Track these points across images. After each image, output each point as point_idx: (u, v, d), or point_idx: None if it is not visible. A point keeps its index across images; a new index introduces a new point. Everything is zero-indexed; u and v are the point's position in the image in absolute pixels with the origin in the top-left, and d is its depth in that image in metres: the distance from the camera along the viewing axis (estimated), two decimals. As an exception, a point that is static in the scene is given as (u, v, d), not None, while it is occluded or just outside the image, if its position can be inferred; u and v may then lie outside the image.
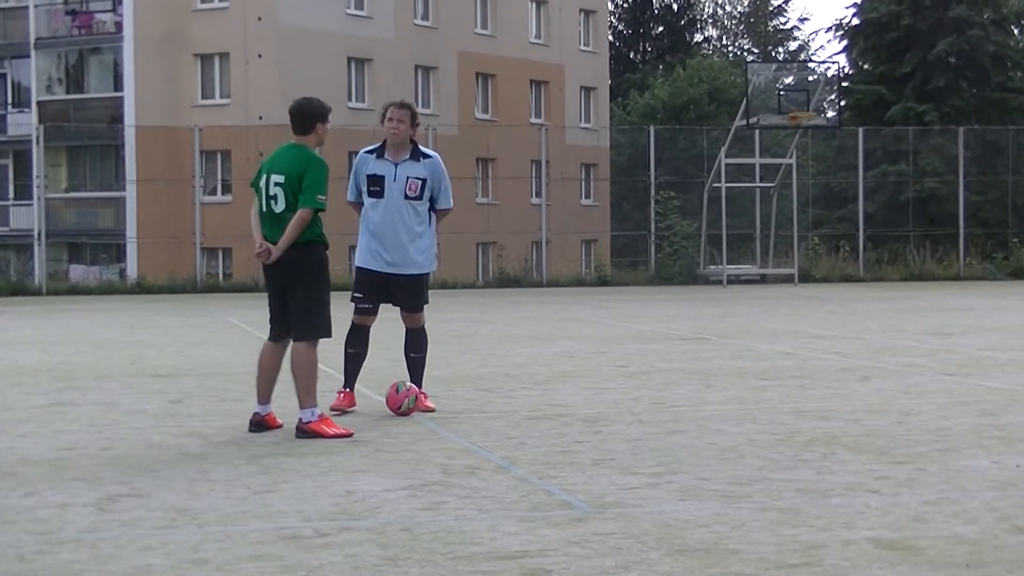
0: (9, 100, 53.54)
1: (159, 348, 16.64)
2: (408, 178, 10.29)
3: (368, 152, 10.41)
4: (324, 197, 9.29)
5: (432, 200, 10.42)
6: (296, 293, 9.26)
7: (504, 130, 50.52)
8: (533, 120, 55.46)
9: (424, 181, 10.33)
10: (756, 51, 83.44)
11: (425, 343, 10.67)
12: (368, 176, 10.33)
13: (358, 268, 10.42)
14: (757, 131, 36.13)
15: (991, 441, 8.82)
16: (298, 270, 9.22)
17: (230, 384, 12.35)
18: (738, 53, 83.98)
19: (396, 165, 10.30)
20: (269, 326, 9.53)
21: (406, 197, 10.27)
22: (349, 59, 50.36)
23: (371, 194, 10.34)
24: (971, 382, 12.18)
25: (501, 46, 56.44)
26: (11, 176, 52.76)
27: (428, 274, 10.60)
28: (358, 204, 10.50)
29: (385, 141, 10.38)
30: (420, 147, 10.45)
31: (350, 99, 50.20)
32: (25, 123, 50.12)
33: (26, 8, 51.17)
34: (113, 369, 13.99)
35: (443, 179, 10.44)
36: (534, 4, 58.85)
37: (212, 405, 10.98)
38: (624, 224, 49.14)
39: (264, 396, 9.44)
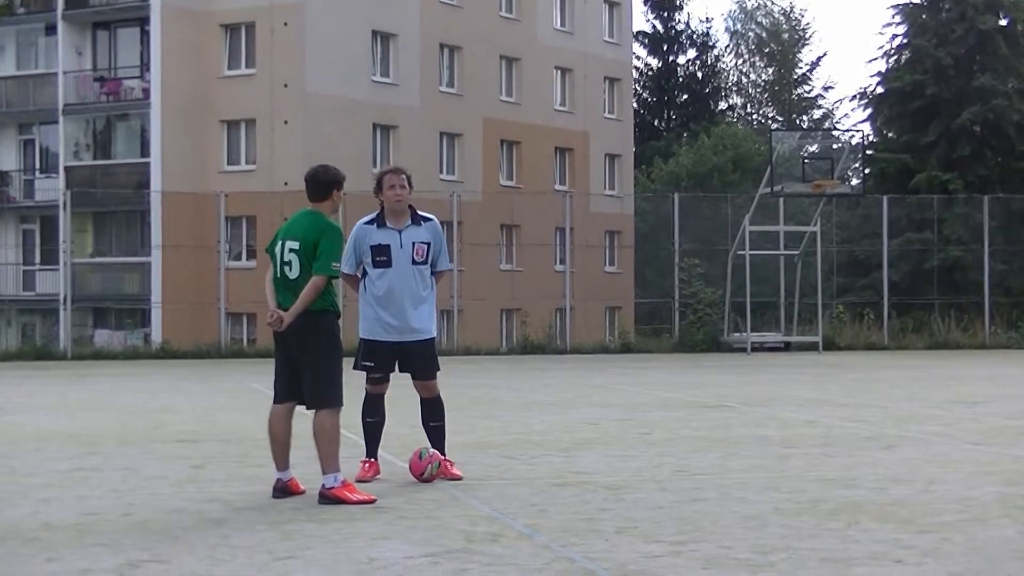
0: (37, 166, 53.86)
1: (182, 413, 16.65)
2: (414, 243, 10.21)
3: (367, 223, 10.26)
4: (339, 264, 9.34)
5: (432, 264, 10.42)
6: (308, 362, 9.29)
7: (528, 197, 50.66)
8: (557, 187, 55.61)
9: (429, 244, 10.29)
10: (780, 119, 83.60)
11: (443, 410, 10.56)
12: (372, 247, 10.18)
13: (365, 340, 10.31)
14: (781, 199, 36.15)
15: (1017, 511, 8.75)
16: (309, 337, 9.27)
17: (252, 450, 12.33)
18: (762, 121, 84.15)
19: (400, 232, 10.19)
20: (274, 391, 9.53)
21: (414, 263, 10.21)
22: (374, 126, 50.62)
23: (377, 264, 10.19)
24: (996, 451, 12.10)
25: (526, 113, 56.67)
26: (38, 241, 52.99)
27: (435, 339, 10.56)
28: (354, 276, 10.41)
29: (382, 210, 10.26)
30: (417, 211, 10.40)
31: (375, 165, 50.27)
32: (52, 188, 50.39)
33: (55, 74, 51.57)
34: (136, 434, 14.00)
35: (443, 241, 10.44)
36: (559, 72, 59.13)
37: (234, 471, 10.97)
38: (648, 291, 49.12)
39: (282, 463, 9.44)
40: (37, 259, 52.77)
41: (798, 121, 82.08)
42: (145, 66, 50.61)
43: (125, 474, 10.79)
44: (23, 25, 53.13)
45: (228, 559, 7.26)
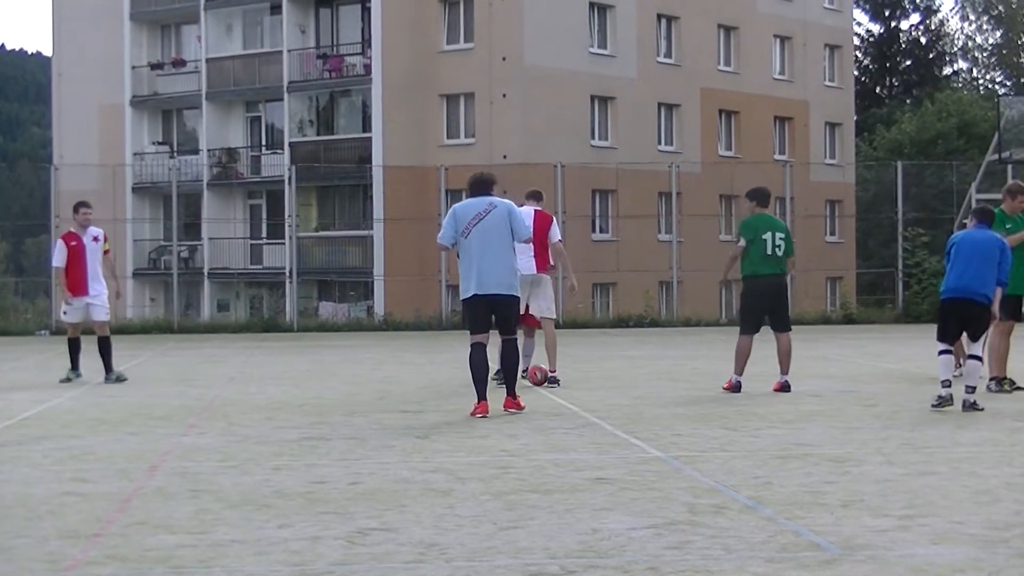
0: (263, 142, 55.11)
1: (406, 384, 16.89)
2: None
3: None
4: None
5: None
6: (782, 306, 15.35)
7: (747, 167, 50.06)
8: (777, 157, 54.96)
9: None
10: (1009, 84, 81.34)
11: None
12: None
13: None
14: (1010, 166, 35.19)
15: None
16: (783, 292, 15.37)
17: (476, 421, 12.46)
18: (989, 86, 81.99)
19: None
20: (749, 326, 15.17)
21: None
22: (592, 97, 50.64)
23: None
24: None
25: (744, 83, 56.13)
26: (264, 216, 54.23)
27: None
28: None
29: None
30: None
31: (593, 137, 50.45)
32: (278, 164, 51.48)
33: (280, 53, 52.66)
34: (362, 405, 14.25)
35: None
36: (778, 40, 58.40)
37: (458, 441, 11.09)
38: (870, 261, 48.33)
39: (741, 369, 15.11)
40: (264, 233, 54.02)
41: (1027, 86, 79.75)
42: (366, 42, 51.36)
43: (352, 444, 11.00)
44: (249, 5, 54.32)
45: (454, 528, 7.36)
